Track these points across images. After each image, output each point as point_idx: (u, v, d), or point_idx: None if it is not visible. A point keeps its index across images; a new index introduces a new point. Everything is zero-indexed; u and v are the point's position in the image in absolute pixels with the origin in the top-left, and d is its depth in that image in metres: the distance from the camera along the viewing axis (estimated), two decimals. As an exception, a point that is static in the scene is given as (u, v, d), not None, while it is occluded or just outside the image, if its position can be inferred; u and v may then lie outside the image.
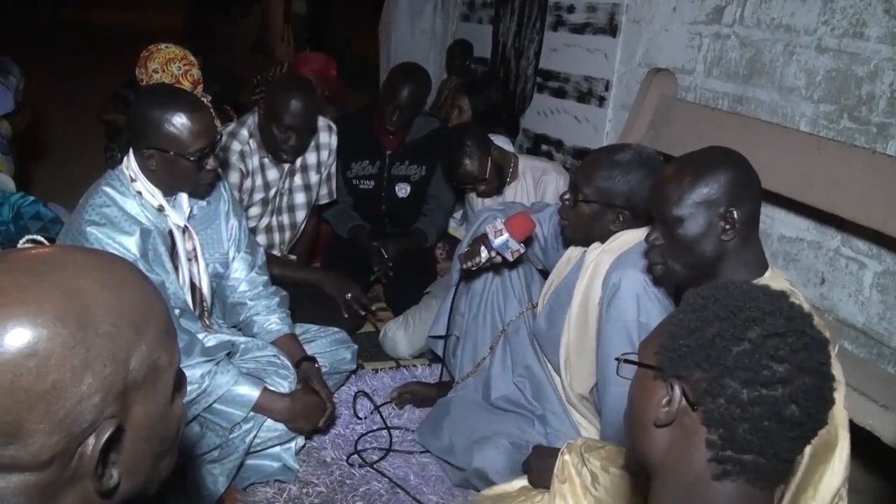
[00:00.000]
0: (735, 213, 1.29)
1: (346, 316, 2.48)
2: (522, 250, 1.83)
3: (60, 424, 0.58)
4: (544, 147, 3.78)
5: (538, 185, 2.65)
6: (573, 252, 1.87)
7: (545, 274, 2.12)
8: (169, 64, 2.35)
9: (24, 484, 0.58)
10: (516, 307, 2.04)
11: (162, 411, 0.68)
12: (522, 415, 1.91)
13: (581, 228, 1.74)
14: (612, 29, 3.19)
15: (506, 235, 1.79)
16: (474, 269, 1.85)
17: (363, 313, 2.58)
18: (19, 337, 0.57)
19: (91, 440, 0.60)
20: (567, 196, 1.73)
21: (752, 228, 1.34)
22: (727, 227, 1.30)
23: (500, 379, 1.99)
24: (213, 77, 2.53)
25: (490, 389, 1.99)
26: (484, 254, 1.82)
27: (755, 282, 1.26)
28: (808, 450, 1.13)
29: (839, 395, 1.16)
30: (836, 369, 1.19)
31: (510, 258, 1.82)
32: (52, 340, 0.58)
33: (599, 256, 1.70)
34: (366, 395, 2.27)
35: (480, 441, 1.83)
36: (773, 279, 1.33)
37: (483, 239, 1.83)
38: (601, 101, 3.30)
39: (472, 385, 2.05)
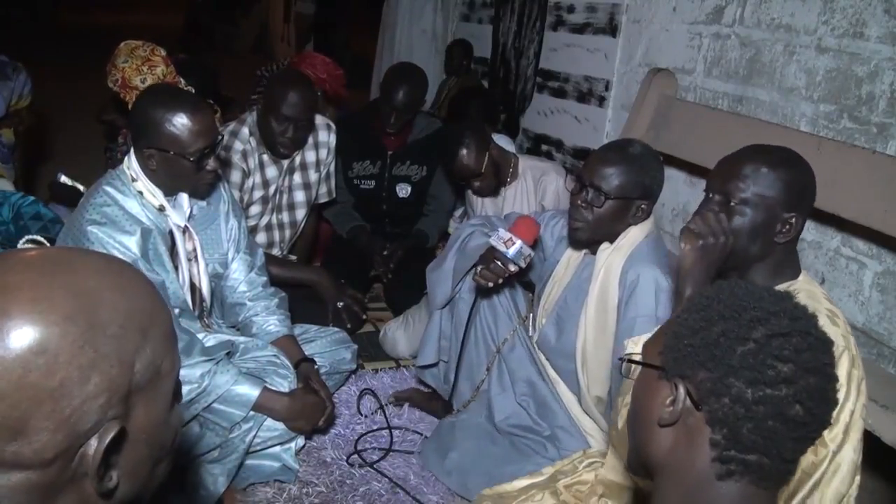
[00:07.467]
0: (794, 219, 1.27)
1: (329, 325, 2.39)
2: (532, 255, 1.80)
3: (66, 423, 0.58)
4: (544, 147, 3.77)
5: (538, 185, 2.64)
6: (571, 255, 1.86)
7: (525, 284, 2.10)
8: (134, 51, 2.36)
9: (26, 482, 0.58)
10: (508, 324, 2.00)
11: (162, 417, 0.68)
12: (531, 441, 1.88)
13: (603, 228, 1.71)
14: (612, 29, 3.19)
15: (519, 243, 1.75)
16: (498, 284, 1.79)
17: (363, 317, 2.58)
18: (30, 334, 0.57)
19: (94, 441, 0.60)
20: (584, 198, 1.69)
21: (795, 241, 1.33)
22: (783, 229, 1.27)
23: (502, 399, 1.96)
24: (186, 73, 2.52)
25: (493, 412, 1.96)
26: (505, 267, 1.76)
27: (785, 285, 1.27)
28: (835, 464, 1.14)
29: (859, 404, 1.17)
30: (861, 376, 1.20)
31: (524, 265, 1.79)
32: (62, 339, 0.58)
33: (610, 257, 1.71)
34: (371, 392, 2.26)
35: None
36: (804, 283, 1.31)
37: (493, 253, 1.78)
38: (601, 101, 3.30)
39: (475, 408, 2.02)
